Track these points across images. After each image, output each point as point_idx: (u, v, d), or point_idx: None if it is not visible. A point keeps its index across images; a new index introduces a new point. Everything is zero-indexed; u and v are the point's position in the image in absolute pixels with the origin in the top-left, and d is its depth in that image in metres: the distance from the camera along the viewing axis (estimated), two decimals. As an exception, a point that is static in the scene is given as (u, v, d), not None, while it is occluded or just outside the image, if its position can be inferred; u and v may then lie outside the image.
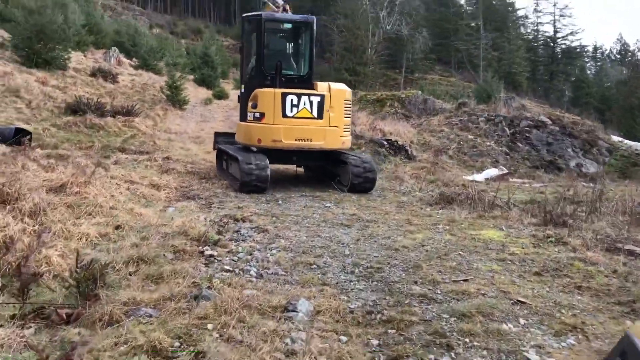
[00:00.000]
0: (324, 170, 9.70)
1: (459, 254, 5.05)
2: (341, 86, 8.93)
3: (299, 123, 8.23)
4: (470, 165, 14.35)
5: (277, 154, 8.52)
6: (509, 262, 4.85)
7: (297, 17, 9.30)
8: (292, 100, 8.16)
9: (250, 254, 4.82)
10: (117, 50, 24.33)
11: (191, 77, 29.45)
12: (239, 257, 4.72)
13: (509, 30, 65.43)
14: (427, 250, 5.12)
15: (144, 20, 46.13)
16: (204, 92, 25.64)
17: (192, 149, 12.30)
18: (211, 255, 4.69)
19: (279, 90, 8.20)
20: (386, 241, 5.42)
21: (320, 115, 8.33)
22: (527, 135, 16.07)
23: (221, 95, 24.99)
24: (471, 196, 7.62)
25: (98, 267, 3.71)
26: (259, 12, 8.95)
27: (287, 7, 9.38)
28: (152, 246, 4.78)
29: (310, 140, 8.30)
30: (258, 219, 6.15)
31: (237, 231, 5.59)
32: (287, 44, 9.66)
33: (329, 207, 7.06)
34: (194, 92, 25.77)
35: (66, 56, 18.71)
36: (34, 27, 17.65)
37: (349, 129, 9.03)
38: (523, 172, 14.32)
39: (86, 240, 4.97)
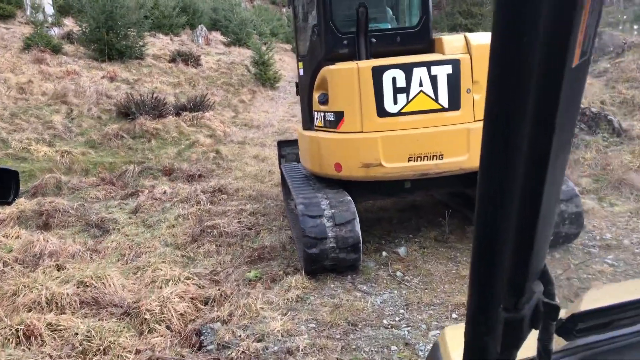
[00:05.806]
0: (465, 199, 4.81)
1: None
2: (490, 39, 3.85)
3: (413, 124, 3.62)
4: None
5: (374, 185, 3.99)
6: None
7: None
8: (394, 79, 3.53)
9: None
10: (204, 29, 20.35)
11: (289, 47, 25.02)
12: None
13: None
14: None
15: (243, -6, 42.16)
16: (304, 62, 20.96)
17: (270, 157, 7.68)
18: None
19: (367, 64, 3.58)
20: None
21: (454, 104, 3.62)
22: None
23: (322, 63, 20.08)
24: None
25: None
26: None
27: None
28: None
29: (441, 157, 3.64)
30: None
31: None
32: None
33: None
34: (292, 63, 21.25)
35: (141, 43, 14.99)
36: (102, 14, 14.08)
37: None
38: None
39: None
